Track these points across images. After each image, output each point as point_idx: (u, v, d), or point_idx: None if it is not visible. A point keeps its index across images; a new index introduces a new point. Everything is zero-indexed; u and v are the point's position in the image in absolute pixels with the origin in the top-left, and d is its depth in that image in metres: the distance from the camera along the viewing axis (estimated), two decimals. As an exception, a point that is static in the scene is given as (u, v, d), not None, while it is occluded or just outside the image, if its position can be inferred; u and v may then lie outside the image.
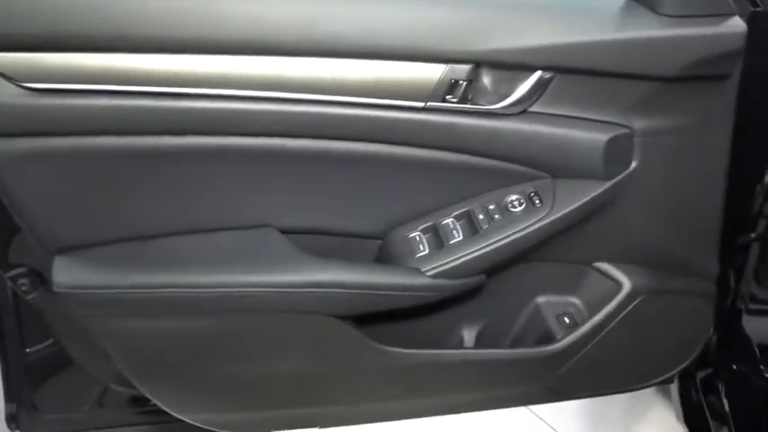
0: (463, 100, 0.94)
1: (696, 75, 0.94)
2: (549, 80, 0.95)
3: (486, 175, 1.03)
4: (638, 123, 0.99)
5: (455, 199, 1.05)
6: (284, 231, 1.04)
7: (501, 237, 1.01)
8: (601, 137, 0.98)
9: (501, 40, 0.92)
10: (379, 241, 1.09)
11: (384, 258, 1.08)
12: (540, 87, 0.95)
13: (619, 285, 1.11)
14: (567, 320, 1.15)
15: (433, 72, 0.92)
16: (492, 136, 0.97)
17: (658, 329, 1.17)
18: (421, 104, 0.94)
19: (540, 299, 1.17)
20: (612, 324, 1.12)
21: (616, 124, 0.99)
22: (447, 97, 0.94)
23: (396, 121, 0.95)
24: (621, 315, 1.12)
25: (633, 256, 1.11)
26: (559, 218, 1.01)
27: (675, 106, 0.98)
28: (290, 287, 1.00)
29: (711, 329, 1.20)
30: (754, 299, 1.15)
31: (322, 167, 1.00)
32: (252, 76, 0.91)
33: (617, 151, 0.99)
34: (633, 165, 1.01)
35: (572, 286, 1.15)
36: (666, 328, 1.17)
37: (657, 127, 0.99)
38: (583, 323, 1.13)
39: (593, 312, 1.13)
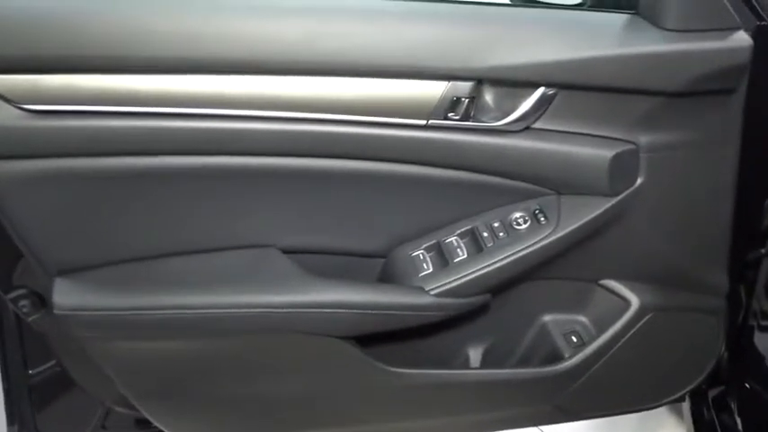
0: (465, 117, 0.93)
1: (701, 90, 0.93)
2: (553, 96, 0.93)
3: (490, 192, 1.01)
4: (644, 139, 0.97)
5: (459, 217, 1.04)
6: (286, 251, 1.03)
7: (506, 255, 1.00)
8: (605, 153, 0.96)
9: (503, 56, 0.91)
10: (383, 260, 1.08)
11: (387, 277, 1.06)
12: (543, 104, 0.94)
13: (627, 303, 1.09)
14: (574, 339, 1.13)
15: (434, 89, 0.92)
16: (495, 153, 0.96)
17: (668, 347, 1.14)
18: (423, 122, 0.93)
19: (547, 317, 1.15)
20: (621, 342, 1.10)
21: (621, 140, 0.97)
22: (449, 115, 0.93)
23: (398, 139, 0.94)
24: (630, 333, 1.10)
25: (641, 273, 1.09)
26: (565, 235, 1.00)
27: (681, 121, 0.97)
28: (293, 308, 0.98)
29: (722, 346, 1.17)
30: (765, 315, 1.13)
31: (323, 186, 0.99)
32: (252, 96, 0.90)
33: (622, 167, 0.98)
34: (639, 180, 0.99)
35: (579, 304, 1.13)
36: (676, 345, 1.15)
37: (663, 142, 0.98)
38: (591, 342, 1.11)
39: (601, 330, 1.11)
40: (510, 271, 1.01)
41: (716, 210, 1.05)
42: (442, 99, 0.92)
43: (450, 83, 0.91)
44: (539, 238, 1.00)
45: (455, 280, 1.00)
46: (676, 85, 0.92)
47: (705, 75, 0.91)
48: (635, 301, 1.09)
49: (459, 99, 0.92)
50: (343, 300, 0.99)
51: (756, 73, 0.93)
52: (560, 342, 1.13)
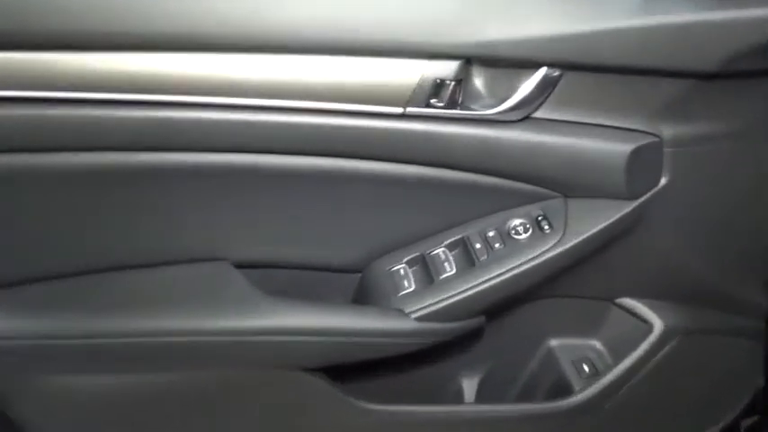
0: (451, 104, 0.77)
1: (741, 69, 0.76)
2: (558, 79, 0.77)
3: (484, 194, 0.85)
4: (669, 130, 0.81)
5: (446, 224, 0.88)
6: (240, 266, 0.87)
7: (503, 270, 0.83)
8: (623, 147, 0.80)
9: (497, 30, 0.74)
10: (358, 275, 0.91)
11: (363, 296, 0.90)
12: (545, 88, 0.78)
13: (648, 326, 0.93)
14: (585, 368, 0.96)
15: (413, 70, 0.75)
16: (488, 148, 0.80)
17: (698, 377, 0.97)
18: (399, 110, 0.77)
19: (553, 342, 0.98)
20: (642, 372, 0.93)
21: (642, 132, 0.81)
22: (431, 101, 0.77)
23: (369, 131, 0.78)
24: (652, 361, 0.93)
25: (665, 291, 0.92)
26: (573, 246, 0.83)
27: (715, 109, 0.80)
28: (248, 335, 0.82)
29: (762, 375, 1.00)
30: None
31: (282, 188, 0.83)
32: (190, 79, 0.74)
33: (643, 164, 0.81)
34: (663, 181, 0.83)
35: (591, 327, 0.97)
36: (708, 375, 0.97)
37: (692, 134, 0.81)
38: (605, 371, 0.94)
39: (617, 358, 0.95)
40: (508, 289, 0.84)
41: (754, 215, 0.88)
42: (423, 82, 0.75)
43: (433, 62, 0.75)
44: (542, 250, 0.83)
45: (442, 300, 0.84)
46: (711, 64, 0.75)
47: (746, 50, 0.74)
48: (658, 324, 0.92)
49: (443, 82, 0.76)
50: (308, 325, 0.83)
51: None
52: (569, 371, 0.96)
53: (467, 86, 0.78)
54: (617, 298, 0.94)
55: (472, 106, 0.79)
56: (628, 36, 0.75)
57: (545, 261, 0.83)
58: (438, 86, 0.76)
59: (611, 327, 0.96)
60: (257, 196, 0.83)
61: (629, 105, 0.80)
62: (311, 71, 0.75)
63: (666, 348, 0.93)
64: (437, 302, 0.83)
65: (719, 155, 0.83)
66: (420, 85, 0.76)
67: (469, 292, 0.83)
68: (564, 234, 0.83)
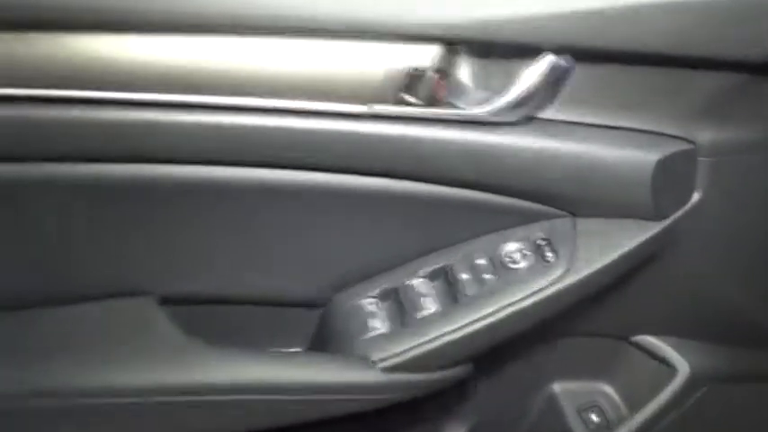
0: (430, 101, 0.60)
1: None
2: (567, 69, 0.61)
3: (471, 213, 0.68)
4: (705, 135, 0.64)
5: (426, 249, 0.71)
6: (169, 301, 0.70)
7: (494, 309, 0.66)
8: (648, 156, 0.63)
9: (490, 6, 0.57)
10: (320, 311, 0.75)
11: (324, 338, 0.73)
12: (551, 81, 0.61)
13: (672, 370, 0.76)
14: (594, 418, 0.80)
15: (380, 58, 0.59)
16: (478, 156, 0.63)
17: None
18: (361, 109, 0.60)
19: (556, 386, 0.82)
20: (663, 425, 0.77)
21: (672, 137, 0.65)
22: (404, 97, 0.60)
23: (324, 134, 0.61)
24: (675, 412, 0.77)
25: (693, 327, 0.76)
26: (583, 280, 0.66)
27: (763, 109, 0.64)
28: (174, 394, 0.65)
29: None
30: None
31: (220, 206, 0.66)
32: (107, 67, 0.58)
33: (673, 177, 0.65)
34: (695, 196, 0.66)
35: (602, 368, 0.81)
36: (743, 430, 0.81)
37: (734, 141, 0.65)
38: (619, 423, 0.78)
39: (633, 406, 0.78)
40: (501, 332, 0.68)
41: None
42: (393, 73, 0.59)
43: (406, 47, 0.58)
44: (544, 284, 0.66)
45: (419, 346, 0.67)
46: (761, 53, 0.58)
47: None
48: (684, 368, 0.76)
49: (419, 73, 0.59)
50: (251, 379, 0.66)
51: None
52: (574, 422, 0.80)
53: (451, 79, 0.61)
54: (633, 335, 0.77)
55: (458, 104, 0.62)
56: (657, 15, 0.58)
57: (547, 297, 0.66)
58: (413, 78, 0.59)
59: (625, 369, 0.79)
60: (189, 215, 0.67)
61: (658, 104, 0.64)
62: (254, 60, 0.58)
63: (694, 398, 0.76)
64: (412, 348, 0.67)
65: (764, 165, 0.67)
66: (389, 77, 0.59)
67: (453, 336, 0.66)
68: (571, 263, 0.66)
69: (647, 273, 0.70)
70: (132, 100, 0.60)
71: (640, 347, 0.77)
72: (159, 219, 0.67)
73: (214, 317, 0.72)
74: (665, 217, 0.66)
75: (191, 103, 0.60)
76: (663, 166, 0.63)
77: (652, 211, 0.66)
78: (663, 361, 0.77)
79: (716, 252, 0.70)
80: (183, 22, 0.57)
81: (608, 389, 0.81)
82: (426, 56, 0.58)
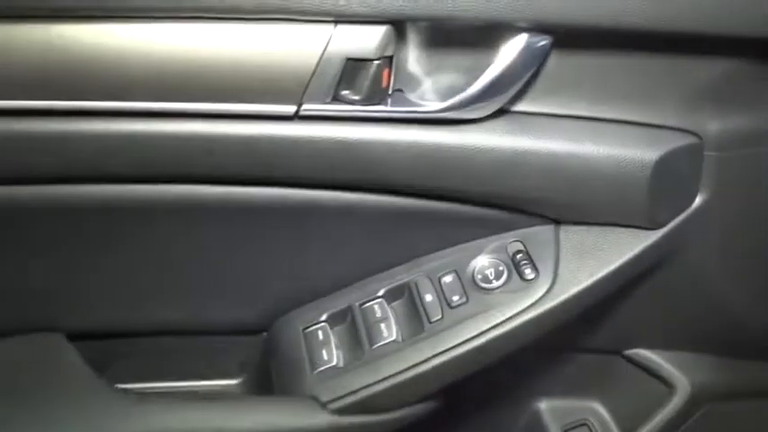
0: (373, 96, 0.48)
1: None
2: (546, 51, 0.49)
3: (435, 224, 0.58)
4: (713, 127, 0.53)
5: (383, 265, 0.60)
6: (78, 336, 0.59)
7: (465, 339, 0.56)
8: (645, 154, 0.52)
9: None
10: (263, 335, 0.64)
11: (269, 368, 0.63)
12: (527, 66, 0.49)
13: (670, 387, 0.67)
14: (580, 440, 0.71)
15: (311, 45, 0.46)
16: (437, 160, 0.51)
17: None
18: (290, 109, 0.48)
19: (542, 404, 0.73)
20: None
21: (674, 129, 0.53)
22: (343, 93, 0.48)
23: (247, 141, 0.49)
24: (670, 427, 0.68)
25: (693, 341, 0.66)
26: (569, 299, 0.56)
27: None
28: None
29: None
30: None
31: (143, 226, 0.55)
32: None
33: (675, 177, 0.54)
34: (699, 198, 0.55)
35: (592, 385, 0.71)
36: None
37: (745, 132, 0.54)
38: (611, 444, 0.69)
39: (626, 428, 0.69)
40: (473, 364, 0.57)
41: None
42: (327, 63, 0.46)
43: (343, 29, 0.46)
44: (523, 307, 0.56)
45: (376, 383, 0.56)
46: None
47: None
48: (683, 385, 0.67)
49: (360, 62, 0.47)
50: (176, 428, 0.56)
51: None
52: None
53: (401, 67, 0.49)
54: (627, 349, 0.68)
55: (410, 99, 0.50)
56: None
57: (527, 322, 0.56)
58: (352, 70, 0.47)
59: (618, 385, 0.70)
60: (107, 240, 0.56)
61: (656, 91, 0.53)
62: (167, 50, 0.46)
63: (694, 418, 0.67)
64: (368, 387, 0.56)
65: None
66: (323, 69, 0.47)
67: (415, 372, 0.56)
68: (554, 281, 0.56)
69: (643, 283, 0.60)
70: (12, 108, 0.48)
71: (635, 362, 0.68)
72: (74, 245, 0.56)
73: (138, 351, 0.62)
74: (664, 224, 0.56)
75: (84, 109, 0.48)
76: (664, 164, 0.52)
77: (650, 219, 0.55)
78: (660, 377, 0.67)
79: (722, 258, 0.60)
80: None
81: (598, 407, 0.71)
82: (367, 41, 0.46)
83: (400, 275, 0.60)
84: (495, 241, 0.59)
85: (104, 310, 0.60)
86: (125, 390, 0.58)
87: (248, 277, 0.61)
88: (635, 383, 0.68)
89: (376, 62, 0.47)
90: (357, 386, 0.57)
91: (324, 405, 0.56)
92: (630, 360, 0.68)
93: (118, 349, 0.62)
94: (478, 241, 0.59)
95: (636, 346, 0.67)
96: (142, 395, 0.57)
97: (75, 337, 0.60)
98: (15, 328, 0.59)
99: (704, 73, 0.51)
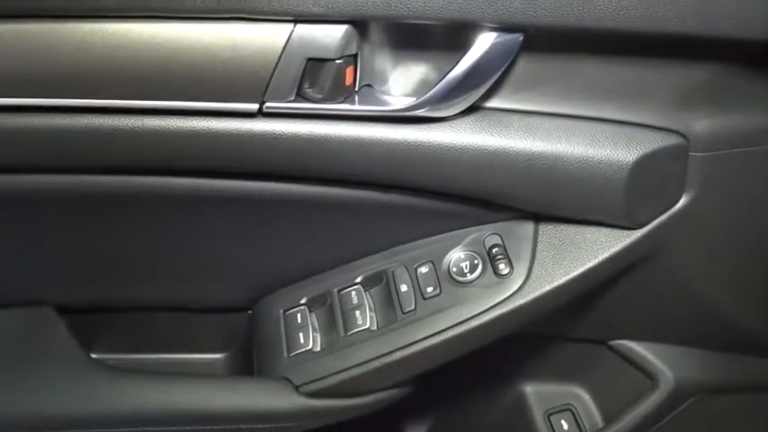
0: (336, 94, 0.48)
1: None
2: (519, 47, 0.47)
3: (411, 216, 0.57)
4: (699, 126, 0.51)
5: (360, 253, 0.60)
6: (68, 310, 0.62)
7: (438, 330, 0.56)
8: (623, 155, 0.50)
9: None
10: (246, 313, 0.66)
11: (251, 345, 0.64)
12: (498, 62, 0.47)
13: (653, 380, 0.66)
14: (564, 425, 0.71)
15: (273, 43, 0.46)
16: (407, 157, 0.50)
17: None
18: (252, 107, 0.48)
19: (525, 387, 0.73)
20: None
21: (657, 129, 0.51)
22: (307, 91, 0.47)
23: (212, 136, 0.49)
24: (657, 426, 0.67)
25: (678, 335, 0.65)
26: (542, 295, 0.55)
27: (764, 96, 0.51)
28: (79, 426, 0.58)
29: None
30: None
31: (132, 212, 0.57)
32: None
33: (658, 178, 0.52)
34: (684, 199, 0.54)
35: (576, 371, 0.71)
36: None
37: (734, 134, 0.52)
38: (592, 430, 0.69)
39: (609, 416, 0.69)
40: (445, 354, 0.58)
41: None
42: (290, 61, 0.46)
43: (305, 28, 0.45)
44: (496, 301, 0.56)
45: (349, 369, 0.58)
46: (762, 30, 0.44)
47: None
48: (667, 378, 0.66)
49: (323, 61, 0.46)
50: (160, 408, 0.58)
51: None
52: (541, 425, 0.71)
53: (368, 66, 0.48)
54: (612, 340, 0.67)
55: (377, 96, 0.49)
56: None
57: (499, 317, 0.56)
58: (314, 68, 0.46)
59: (602, 374, 0.70)
60: (99, 222, 0.57)
61: (639, 89, 0.50)
62: (122, 46, 0.46)
63: (678, 410, 0.67)
64: (341, 372, 0.58)
65: (762, 160, 0.53)
66: (284, 67, 0.46)
67: (388, 360, 0.57)
68: (528, 277, 0.55)
69: (628, 279, 0.59)
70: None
71: (619, 353, 0.67)
72: (66, 224, 0.58)
73: (128, 324, 0.64)
74: (645, 223, 0.54)
75: (59, 105, 0.49)
76: (643, 164, 0.51)
77: (629, 218, 0.54)
78: (643, 369, 0.66)
79: (708, 258, 0.58)
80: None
81: (582, 393, 0.71)
82: (330, 39, 0.45)
83: (378, 263, 0.60)
84: (473, 233, 0.58)
85: (94, 285, 0.63)
86: (108, 364, 0.60)
87: (235, 259, 0.62)
88: (619, 373, 0.68)
89: (338, 61, 0.46)
90: (330, 371, 0.58)
91: (297, 388, 0.58)
92: (615, 351, 0.67)
93: (108, 323, 0.64)
94: (457, 232, 0.59)
95: (621, 338, 0.66)
96: (122, 371, 0.60)
97: (64, 310, 0.62)
98: (7, 301, 0.62)
99: (690, 74, 0.49)
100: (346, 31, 0.45)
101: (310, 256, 0.61)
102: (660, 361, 0.66)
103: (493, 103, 0.50)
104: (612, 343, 0.67)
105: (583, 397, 0.71)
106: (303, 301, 0.62)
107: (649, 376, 0.66)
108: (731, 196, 0.54)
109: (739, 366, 0.67)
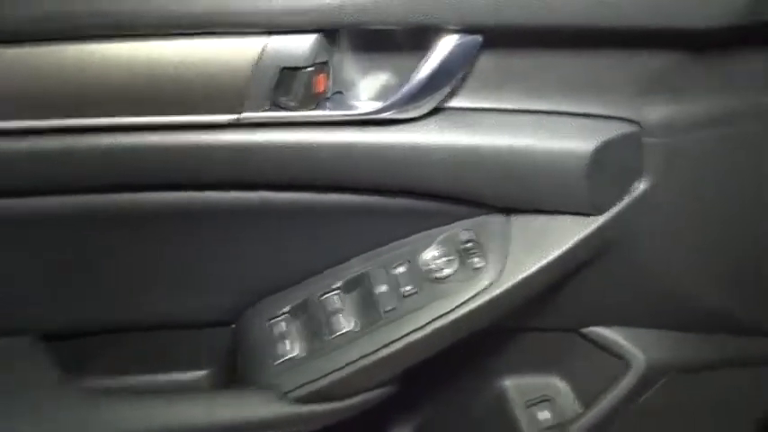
0: (309, 101, 0.50)
1: (753, 25, 0.49)
2: (476, 51, 0.50)
3: (387, 218, 0.59)
4: (653, 113, 0.54)
5: (339, 258, 0.62)
6: (48, 336, 0.62)
7: (417, 326, 0.58)
8: (582, 145, 0.53)
9: None
10: (230, 327, 0.67)
11: (236, 358, 0.65)
12: (458, 65, 0.50)
13: (625, 362, 0.69)
14: (544, 413, 0.73)
15: (246, 55, 0.47)
16: (380, 159, 0.53)
17: (700, 425, 0.75)
18: (230, 118, 0.50)
19: (504, 381, 0.75)
20: (619, 418, 0.70)
21: (613, 118, 0.55)
22: (281, 100, 0.49)
23: (190, 149, 0.51)
24: (633, 407, 0.70)
25: (647, 317, 0.68)
26: (517, 284, 0.58)
27: (717, 82, 0.54)
28: None
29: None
30: None
31: (106, 230, 0.58)
32: None
33: (615, 164, 0.55)
34: (644, 183, 0.57)
35: (552, 362, 0.73)
36: (713, 421, 0.74)
37: (686, 118, 0.55)
38: (573, 418, 0.71)
39: (587, 402, 0.72)
40: (427, 349, 0.60)
41: (760, 217, 0.62)
42: (263, 72, 0.48)
43: (275, 39, 0.47)
44: (472, 293, 0.58)
45: (334, 372, 0.59)
46: (715, 19, 0.48)
47: None
48: (638, 359, 0.69)
49: (295, 71, 0.48)
50: (136, 425, 0.58)
51: None
52: (522, 416, 0.73)
53: (338, 73, 0.51)
54: (584, 328, 0.70)
55: (348, 102, 0.51)
56: None
57: (478, 308, 0.58)
58: (288, 78, 0.48)
59: (577, 362, 0.72)
60: (75, 241, 0.58)
61: (595, 81, 0.53)
62: (99, 65, 0.47)
63: (652, 390, 0.70)
64: (327, 375, 0.59)
65: (719, 143, 0.57)
66: (259, 78, 0.48)
67: (372, 359, 0.58)
68: (503, 268, 0.58)
69: (595, 265, 0.61)
70: None
71: (591, 340, 0.70)
72: (42, 250, 0.58)
73: (108, 346, 0.64)
74: (605, 209, 0.57)
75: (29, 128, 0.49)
76: (602, 153, 0.54)
77: (591, 205, 0.57)
78: (615, 353, 0.69)
79: (668, 240, 0.61)
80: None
81: (559, 382, 0.74)
82: (301, 50, 0.47)
83: (356, 267, 0.62)
84: (446, 231, 0.60)
85: (75, 309, 0.63)
86: (91, 388, 0.60)
87: (216, 272, 0.63)
88: (593, 360, 0.70)
89: (309, 69, 0.48)
90: (316, 375, 0.59)
91: (284, 395, 0.59)
92: (588, 338, 0.70)
93: (89, 347, 0.64)
94: (431, 231, 0.61)
95: (593, 324, 0.69)
96: (107, 392, 0.60)
97: (44, 336, 0.62)
98: None
99: (644, 64, 0.52)
100: (317, 40, 0.47)
101: (291, 264, 0.62)
102: (631, 344, 0.69)
103: (458, 102, 0.53)
104: (585, 330, 0.70)
105: (560, 386, 0.74)
106: (286, 309, 0.63)
107: (621, 358, 0.69)
108: (689, 179, 0.57)
109: (708, 345, 0.70)
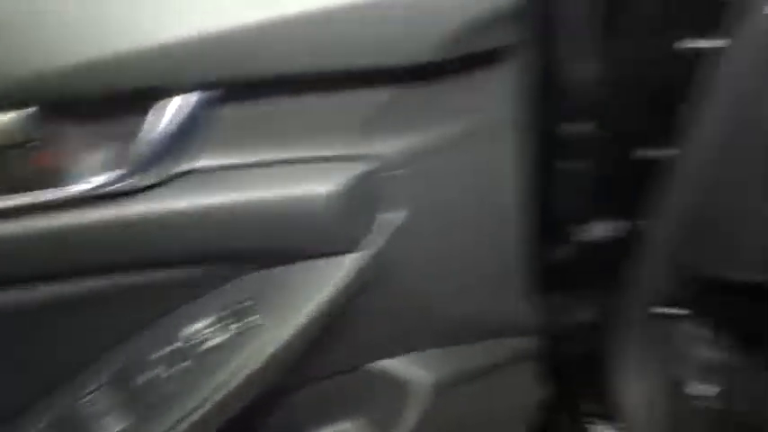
0: (21, 184, 0.45)
1: (461, 54, 0.55)
2: (205, 110, 0.50)
3: (145, 294, 0.56)
4: (389, 148, 0.58)
5: (90, 356, 0.57)
6: None
7: (198, 402, 0.55)
8: (322, 188, 0.55)
9: (71, 49, 0.44)
10: None
11: None
12: (185, 128, 0.50)
13: (402, 387, 0.71)
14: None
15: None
16: (118, 236, 0.50)
17: (488, 425, 0.79)
18: None
19: None
20: None
21: (351, 157, 0.57)
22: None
23: None
24: (422, 425, 0.72)
25: (422, 341, 0.71)
26: (296, 336, 0.57)
27: (439, 110, 0.59)
28: None
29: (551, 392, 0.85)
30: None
31: None
32: None
33: (358, 201, 0.58)
34: (395, 214, 0.60)
35: (351, 403, 0.73)
36: (497, 420, 0.79)
37: (420, 147, 0.59)
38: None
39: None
40: (211, 422, 0.56)
41: (492, 229, 0.69)
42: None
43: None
44: (246, 356, 0.56)
45: None
46: (416, 56, 0.53)
47: (460, 30, 0.52)
48: (413, 380, 0.70)
49: (8, 149, 0.44)
50: None
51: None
52: None
53: (57, 147, 0.47)
54: (368, 363, 0.71)
55: (76, 177, 0.48)
56: (290, 31, 0.49)
57: (257, 371, 0.56)
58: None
59: (371, 397, 0.73)
60: None
61: (327, 125, 0.56)
62: None
63: (432, 407, 0.72)
64: None
65: (455, 165, 0.62)
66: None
67: None
68: (279, 323, 0.57)
69: (363, 301, 0.63)
70: None
71: (374, 374, 0.71)
72: None
73: None
74: (361, 246, 0.59)
75: None
76: (339, 194, 0.55)
77: (344, 244, 0.58)
78: (395, 381, 0.71)
79: (429, 262, 0.65)
80: None
81: (363, 423, 0.73)
82: (16, 124, 0.43)
83: (117, 358, 0.57)
84: (212, 298, 0.58)
85: None
86: None
87: None
88: (381, 393, 0.71)
89: (17, 149, 0.44)
90: None
91: None
92: (374, 372, 0.71)
93: None
94: (196, 302, 0.58)
95: (378, 358, 0.70)
96: None
97: None
98: None
99: (368, 101, 0.55)
100: (21, 117, 0.43)
101: (34, 373, 0.55)
102: (405, 367, 0.71)
103: (204, 162, 0.52)
104: (365, 367, 0.71)
105: (364, 427, 0.74)
106: (43, 424, 0.55)
107: (408, 383, 0.71)
108: (436, 202, 0.61)
109: (480, 353, 0.75)
